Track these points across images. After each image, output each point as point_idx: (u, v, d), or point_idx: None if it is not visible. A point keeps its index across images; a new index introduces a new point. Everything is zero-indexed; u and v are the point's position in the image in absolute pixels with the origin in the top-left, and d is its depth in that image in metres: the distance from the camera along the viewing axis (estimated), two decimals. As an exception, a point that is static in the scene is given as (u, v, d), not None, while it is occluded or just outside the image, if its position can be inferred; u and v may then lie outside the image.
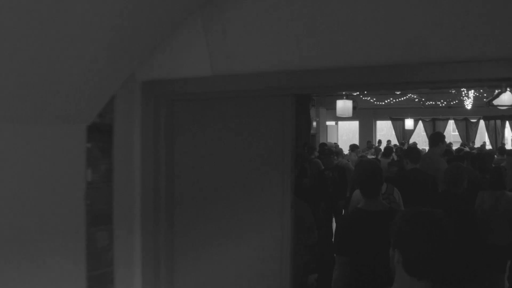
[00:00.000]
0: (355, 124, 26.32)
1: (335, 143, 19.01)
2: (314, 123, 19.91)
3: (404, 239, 2.02)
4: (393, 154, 13.58)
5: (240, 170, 2.94)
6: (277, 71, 2.66)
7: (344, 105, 13.29)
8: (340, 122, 26.69)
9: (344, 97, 13.57)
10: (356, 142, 24.55)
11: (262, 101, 2.81)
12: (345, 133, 31.71)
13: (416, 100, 19.26)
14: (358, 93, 16.87)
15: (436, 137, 8.27)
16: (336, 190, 10.20)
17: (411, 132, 23.43)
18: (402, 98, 18.96)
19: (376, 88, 2.73)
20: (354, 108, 17.52)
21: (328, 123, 23.97)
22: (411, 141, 23.10)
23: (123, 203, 3.30)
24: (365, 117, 23.92)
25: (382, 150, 17.35)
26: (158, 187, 3.31)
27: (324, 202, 10.46)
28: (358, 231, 3.67)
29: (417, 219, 2.03)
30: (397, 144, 20.83)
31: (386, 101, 19.72)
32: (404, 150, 11.86)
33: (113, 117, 3.20)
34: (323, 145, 13.13)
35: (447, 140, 22.51)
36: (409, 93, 17.85)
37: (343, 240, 3.78)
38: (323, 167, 11.31)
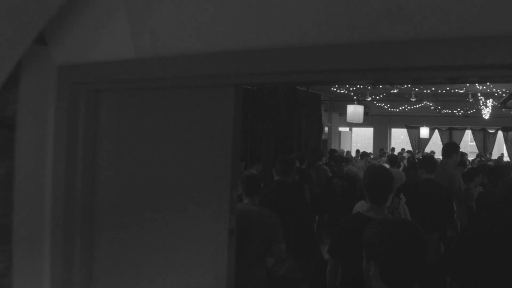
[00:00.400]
0: (370, 131, 25.71)
1: (347, 151, 18.38)
2: (326, 128, 19.31)
3: (382, 250, 2.00)
4: (403, 162, 12.98)
5: (174, 181, 2.30)
6: (212, 53, 2.02)
7: (355, 111, 12.71)
8: (354, 128, 26.10)
9: (355, 102, 13.00)
10: (371, 149, 24.06)
11: (199, 93, 2.18)
12: (360, 140, 31.09)
13: (432, 107, 18.60)
14: (370, 98, 16.27)
15: (450, 147, 7.74)
16: (344, 200, 9.62)
17: (426, 141, 22.79)
18: (417, 106, 18.33)
19: (346, 77, 1.97)
20: (366, 114, 16.97)
21: (342, 129, 23.40)
22: (426, 150, 22.49)
23: (27, 217, 2.66)
24: (380, 124, 23.38)
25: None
26: (74, 197, 2.64)
27: (330, 213, 9.93)
28: (353, 236, 3.28)
29: (395, 229, 2.02)
30: (409, 152, 20.22)
31: (400, 108, 19.07)
32: (419, 159, 11.23)
33: (17, 108, 2.55)
34: (333, 151, 12.58)
35: (464, 150, 21.88)
36: (424, 100, 17.22)
37: (337, 242, 3.78)
38: (330, 175, 10.74)
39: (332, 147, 19.89)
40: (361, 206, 5.42)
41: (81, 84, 2.34)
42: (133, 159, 2.42)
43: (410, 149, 22.91)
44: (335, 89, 14.68)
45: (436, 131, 22.43)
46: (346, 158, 11.15)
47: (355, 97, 14.73)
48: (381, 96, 15.70)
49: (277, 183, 5.38)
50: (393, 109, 19.43)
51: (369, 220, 3.24)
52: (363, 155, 14.72)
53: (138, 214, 2.37)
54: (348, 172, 10.43)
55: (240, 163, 9.77)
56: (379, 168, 4.22)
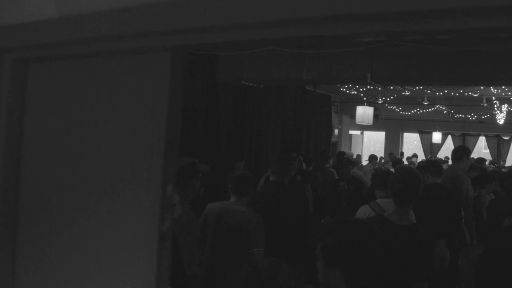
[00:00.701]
0: (382, 135, 25.32)
1: (358, 154, 18.03)
2: (336, 131, 18.97)
3: (347, 255, 1.94)
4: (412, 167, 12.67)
5: (102, 171, 1.92)
6: (143, 6, 1.54)
7: (364, 112, 12.35)
8: (366, 132, 25.73)
9: (365, 103, 12.64)
10: (382, 154, 23.66)
11: (130, 61, 1.79)
12: (372, 144, 30.63)
13: (445, 112, 18.18)
14: (381, 101, 15.89)
15: (460, 151, 7.39)
16: (349, 205, 9.29)
17: (439, 146, 22.38)
18: (430, 109, 17.91)
19: (332, 30, 1.31)
20: (376, 116, 16.60)
21: (353, 132, 23.05)
22: (439, 155, 22.07)
23: None
24: (392, 128, 23.03)
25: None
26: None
27: (333, 217, 9.60)
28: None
29: (356, 232, 1.97)
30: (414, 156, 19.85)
31: (413, 111, 18.67)
32: (426, 163, 10.89)
33: None
34: (342, 154, 12.24)
35: (476, 156, 21.42)
36: (436, 104, 16.81)
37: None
38: (337, 177, 10.41)
39: (343, 150, 19.58)
40: (364, 211, 5.11)
41: (5, 52, 1.97)
42: (60, 146, 2.04)
43: (423, 154, 22.52)
44: (344, 89, 14.32)
45: (449, 136, 22.02)
46: (352, 161, 10.82)
47: (365, 98, 14.38)
48: (391, 98, 15.31)
49: (273, 184, 5.08)
50: (405, 112, 19.04)
51: (393, 227, 3.42)
52: (371, 158, 14.34)
53: (64, 211, 2.01)
54: (355, 175, 10.09)
55: (239, 162, 9.43)
56: (409, 170, 4.07)
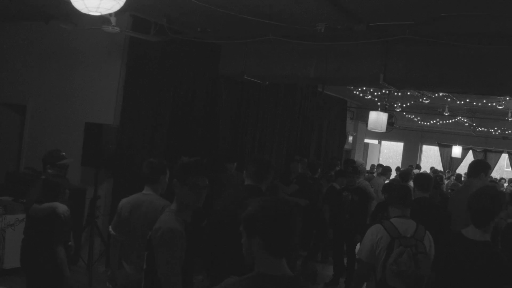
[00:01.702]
0: (400, 146, 24.40)
1: (377, 165, 17.02)
2: (350, 138, 18.05)
3: (267, 225, 2.22)
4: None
5: None
6: None
7: (377, 118, 11.46)
8: (383, 142, 24.81)
9: (379, 109, 11.74)
10: (399, 165, 22.74)
11: None
12: (391, 155, 29.65)
13: (467, 124, 17.17)
14: (399, 108, 14.95)
15: (478, 166, 6.63)
16: (352, 217, 8.46)
17: (458, 161, 21.43)
18: (451, 121, 16.91)
19: None
20: (391, 124, 15.67)
21: (370, 141, 22.16)
22: (459, 171, 21.13)
23: None
24: (411, 139, 22.25)
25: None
26: None
27: (335, 230, 8.78)
28: (465, 264, 3.78)
29: (275, 206, 2.27)
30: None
31: (432, 122, 17.66)
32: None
33: None
34: (350, 162, 11.40)
35: (497, 175, 20.37)
36: (458, 115, 15.83)
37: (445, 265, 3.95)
38: (339, 187, 9.56)
39: (355, 159, 18.66)
40: (376, 232, 4.36)
41: None
42: None
43: (441, 168, 21.59)
44: (358, 93, 13.39)
45: (470, 152, 21.02)
46: (358, 170, 9.99)
47: (379, 103, 13.44)
48: (408, 104, 14.35)
49: (247, 189, 4.24)
50: (424, 122, 18.05)
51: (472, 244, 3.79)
52: (385, 170, 13.36)
53: None
54: (360, 186, 9.22)
55: (230, 164, 8.66)
56: (488, 190, 4.16)
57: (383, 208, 8.39)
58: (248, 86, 10.27)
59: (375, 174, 13.95)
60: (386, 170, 13.34)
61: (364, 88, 12.36)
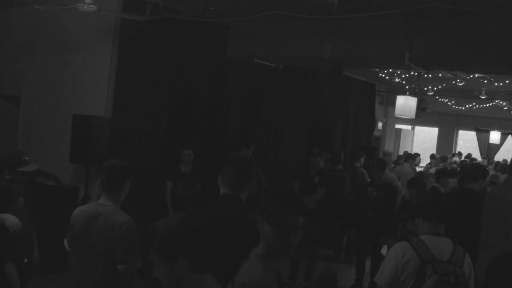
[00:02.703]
0: (435, 132, 23.07)
1: (388, 153, 15.51)
2: (380, 124, 16.92)
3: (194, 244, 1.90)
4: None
5: None
6: None
7: (405, 103, 10.37)
8: (417, 128, 23.47)
9: (407, 93, 10.63)
10: (434, 151, 21.50)
11: None
12: (426, 141, 28.21)
13: (505, 108, 15.85)
14: (431, 92, 13.76)
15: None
16: (376, 216, 7.51)
17: (497, 147, 20.03)
18: (488, 105, 15.62)
19: None
20: (422, 109, 14.51)
21: (402, 127, 20.86)
22: (497, 158, 19.75)
23: None
24: (446, 124, 20.95)
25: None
26: None
27: (358, 230, 7.86)
28: None
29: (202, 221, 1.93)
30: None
31: (467, 106, 16.38)
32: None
33: None
34: (372, 149, 10.36)
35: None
36: (496, 99, 14.57)
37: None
38: (368, 180, 8.56)
39: (386, 147, 17.53)
40: (400, 251, 3.39)
41: None
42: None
43: (479, 155, 20.24)
44: (384, 75, 12.25)
45: (510, 136, 19.62)
46: (384, 162, 8.99)
47: (407, 87, 12.24)
48: (441, 87, 13.15)
49: (223, 199, 3.32)
50: (459, 107, 16.77)
51: None
52: (408, 156, 12.19)
53: None
54: (385, 180, 8.20)
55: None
56: None
57: (407, 207, 7.45)
58: (261, 70, 9.34)
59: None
60: (410, 157, 12.16)
61: (390, 70, 11.24)
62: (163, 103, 7.81)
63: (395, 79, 12.18)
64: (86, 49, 7.45)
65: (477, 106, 16.04)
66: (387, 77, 12.16)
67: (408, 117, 11.09)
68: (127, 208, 3.84)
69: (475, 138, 21.53)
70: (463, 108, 16.64)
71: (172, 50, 7.80)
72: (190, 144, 7.99)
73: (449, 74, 9.82)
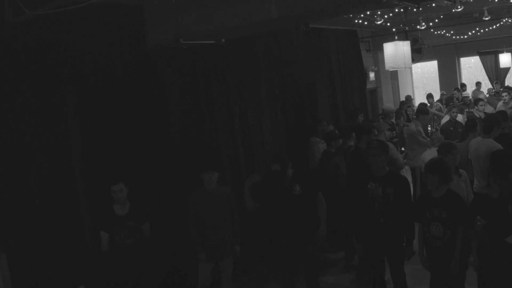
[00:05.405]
0: (434, 65, 20.78)
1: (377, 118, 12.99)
2: (372, 74, 14.56)
3: None
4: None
5: None
6: None
7: (395, 51, 8.06)
8: (414, 65, 21.05)
9: (396, 37, 8.29)
10: (437, 87, 19.30)
11: None
12: (425, 77, 25.73)
13: (515, 26, 13.47)
14: (424, 26, 11.34)
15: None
16: (389, 222, 5.42)
17: (506, 70, 17.71)
18: (493, 27, 13.23)
19: None
20: (418, 51, 12.24)
21: (398, 68, 18.42)
22: (508, 82, 17.58)
23: None
24: (444, 54, 18.78)
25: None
26: None
27: (367, 245, 5.78)
28: None
29: None
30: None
31: (470, 33, 13.95)
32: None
33: None
34: (356, 112, 8.22)
35: None
36: (503, 17, 12.18)
37: None
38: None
39: (384, 98, 15.23)
40: None
41: None
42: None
43: (488, 83, 18.05)
44: (359, 20, 9.81)
45: (517, 55, 17.31)
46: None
47: (394, 29, 9.85)
48: (437, 20, 10.77)
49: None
50: (460, 36, 14.36)
51: None
52: (385, 113, 9.89)
53: None
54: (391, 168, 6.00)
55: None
56: None
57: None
58: (204, 52, 7.10)
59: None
60: (387, 112, 9.96)
61: (368, 13, 8.86)
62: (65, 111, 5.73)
63: (377, 21, 9.78)
64: None
65: (481, 31, 13.61)
66: (365, 22, 9.72)
67: (403, 67, 8.81)
68: None
69: (479, 63, 19.32)
70: (465, 36, 14.21)
71: (61, 47, 5.70)
72: (119, 176, 5.86)
73: (445, 1, 7.44)
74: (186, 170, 6.72)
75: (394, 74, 17.39)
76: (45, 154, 5.64)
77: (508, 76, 18.69)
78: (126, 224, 5.75)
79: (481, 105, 10.69)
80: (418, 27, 11.87)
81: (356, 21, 9.81)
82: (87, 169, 5.98)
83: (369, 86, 14.23)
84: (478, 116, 10.21)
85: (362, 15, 9.27)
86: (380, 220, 5.45)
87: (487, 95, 15.29)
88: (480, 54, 18.53)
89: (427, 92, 16.67)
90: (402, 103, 13.32)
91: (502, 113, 8.12)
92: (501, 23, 12.95)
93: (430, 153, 6.86)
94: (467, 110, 11.75)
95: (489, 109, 11.01)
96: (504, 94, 12.44)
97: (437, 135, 7.94)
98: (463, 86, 17.22)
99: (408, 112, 12.63)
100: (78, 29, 5.84)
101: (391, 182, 5.50)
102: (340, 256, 7.83)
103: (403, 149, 9.30)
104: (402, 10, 8.26)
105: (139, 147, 6.42)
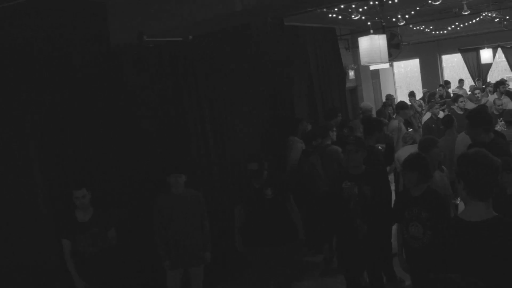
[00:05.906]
0: (416, 64, 20.62)
1: (357, 116, 12.68)
2: (351, 72, 14.33)
3: None
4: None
5: None
6: None
7: (371, 45, 7.80)
8: (395, 63, 20.82)
9: (371, 31, 8.04)
10: (419, 86, 19.13)
11: None
12: (408, 76, 25.57)
13: (496, 20, 13.25)
14: (403, 22, 11.15)
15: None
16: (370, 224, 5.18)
17: (488, 66, 17.64)
18: (474, 21, 13.04)
19: None
20: (396, 46, 12.01)
21: (379, 66, 18.15)
22: (490, 78, 17.48)
23: None
24: (426, 52, 18.53)
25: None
26: None
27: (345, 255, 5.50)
28: None
29: None
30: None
31: (450, 28, 13.76)
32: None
33: None
34: (333, 112, 8.03)
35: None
36: (482, 11, 11.99)
37: None
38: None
39: (364, 96, 15.01)
40: None
41: None
42: None
43: (470, 80, 17.98)
44: (333, 15, 9.54)
45: (499, 50, 17.14)
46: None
47: (369, 23, 9.59)
48: (413, 12, 10.54)
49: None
50: (440, 31, 14.18)
51: None
52: (364, 112, 9.68)
53: None
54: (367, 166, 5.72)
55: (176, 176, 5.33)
56: None
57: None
58: (173, 49, 6.81)
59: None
60: (365, 111, 9.75)
61: (342, 7, 8.56)
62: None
63: (353, 16, 9.49)
64: None
65: (461, 25, 13.42)
66: (340, 17, 9.42)
67: (380, 62, 8.54)
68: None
69: (462, 61, 19.21)
70: (445, 32, 14.02)
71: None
72: (81, 181, 5.55)
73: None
74: (153, 173, 6.41)
75: (375, 73, 17.18)
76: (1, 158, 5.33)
77: (490, 73, 18.60)
78: (90, 231, 5.45)
79: (461, 102, 10.50)
80: (398, 23, 11.67)
81: (330, 15, 9.50)
82: (48, 174, 5.66)
83: (349, 85, 14.01)
84: (459, 113, 10.04)
85: (336, 9, 8.98)
86: (356, 221, 5.19)
87: (469, 92, 15.15)
88: (461, 51, 18.39)
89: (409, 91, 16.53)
90: (385, 103, 13.10)
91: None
92: (481, 17, 12.78)
93: (404, 152, 6.49)
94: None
95: (470, 105, 10.84)
96: (476, 91, 12.37)
97: (410, 133, 7.64)
98: (448, 83, 17.10)
99: (388, 111, 12.41)
100: (34, 27, 5.53)
101: (368, 180, 5.24)
102: (319, 259, 7.57)
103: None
104: (377, 2, 8.02)
105: (103, 150, 6.10)
